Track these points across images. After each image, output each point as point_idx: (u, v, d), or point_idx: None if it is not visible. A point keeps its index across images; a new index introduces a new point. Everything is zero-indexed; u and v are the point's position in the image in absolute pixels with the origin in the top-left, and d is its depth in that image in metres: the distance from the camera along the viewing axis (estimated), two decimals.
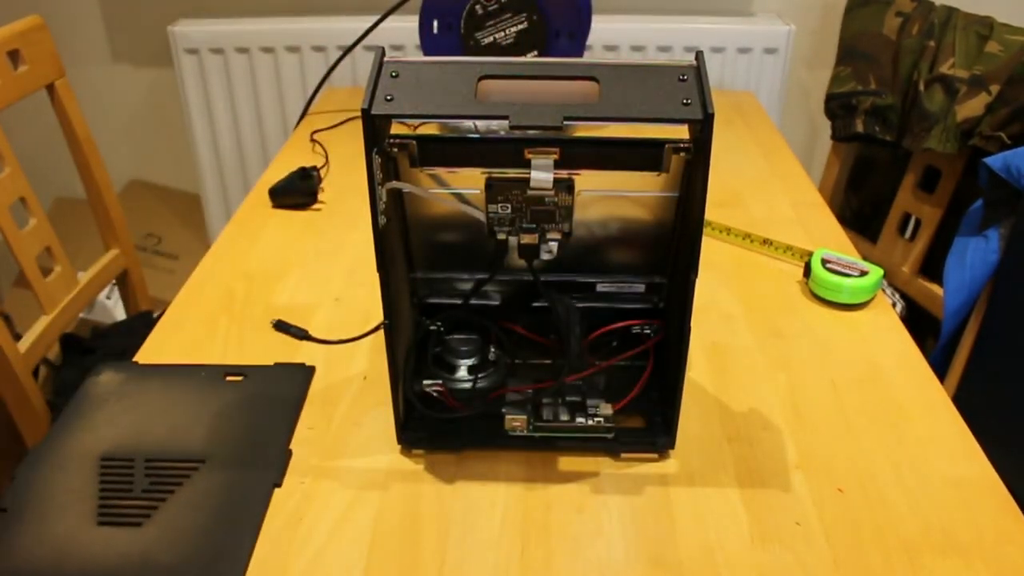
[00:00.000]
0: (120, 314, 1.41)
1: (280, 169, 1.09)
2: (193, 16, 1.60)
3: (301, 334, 0.79)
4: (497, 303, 0.72)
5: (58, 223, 1.16)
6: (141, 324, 1.24)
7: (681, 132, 0.61)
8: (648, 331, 0.71)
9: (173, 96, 1.75)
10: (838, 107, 1.38)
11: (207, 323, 0.82)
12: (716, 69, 1.56)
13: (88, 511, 0.59)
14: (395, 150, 0.61)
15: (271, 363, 0.75)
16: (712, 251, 0.95)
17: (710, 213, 1.02)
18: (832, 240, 0.97)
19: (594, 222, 0.67)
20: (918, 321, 1.36)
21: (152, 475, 0.62)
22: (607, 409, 0.64)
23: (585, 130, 1.02)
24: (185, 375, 0.73)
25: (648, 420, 0.68)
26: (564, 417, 0.64)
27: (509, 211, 0.62)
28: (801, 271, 0.90)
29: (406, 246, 0.68)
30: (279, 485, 0.62)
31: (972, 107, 1.22)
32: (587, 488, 0.62)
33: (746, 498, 0.61)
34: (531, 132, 0.55)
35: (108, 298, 1.57)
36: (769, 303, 0.85)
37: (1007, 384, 1.11)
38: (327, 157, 1.18)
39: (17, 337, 1.02)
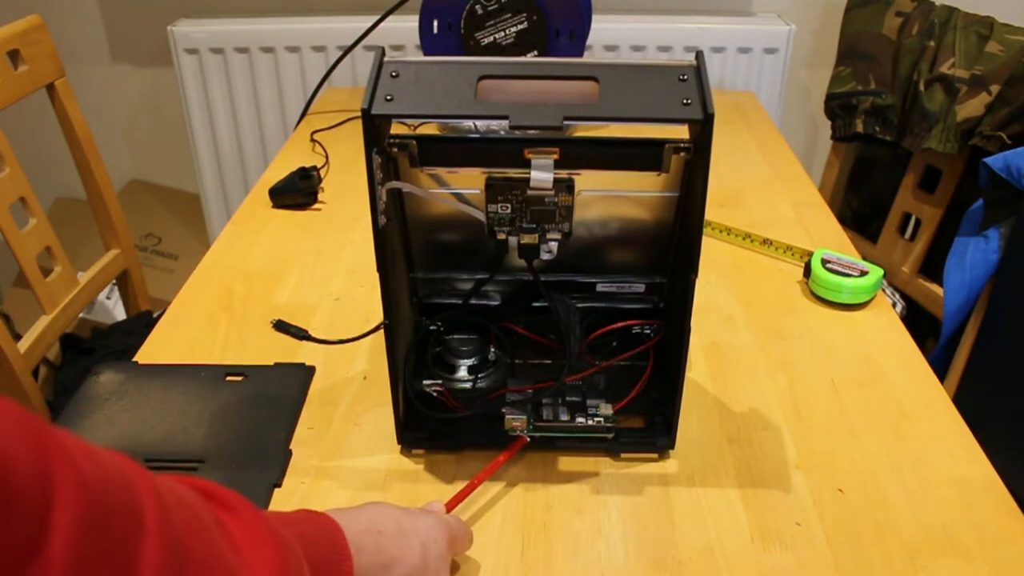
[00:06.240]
0: (120, 314, 1.41)
1: (280, 169, 1.09)
2: (193, 16, 1.60)
3: (301, 334, 0.79)
4: (497, 303, 0.72)
5: (58, 223, 1.16)
6: (141, 324, 1.24)
7: (681, 132, 0.61)
8: (648, 331, 0.71)
9: (173, 96, 1.75)
10: (838, 107, 1.38)
11: (207, 323, 0.82)
12: (716, 69, 1.56)
13: None
14: (395, 150, 0.61)
15: (271, 363, 0.75)
16: (712, 251, 0.95)
17: (710, 213, 1.02)
18: (832, 240, 0.97)
19: (594, 222, 0.67)
20: (918, 321, 1.36)
21: None
22: (607, 409, 0.64)
23: (585, 130, 1.02)
24: (185, 375, 0.73)
25: (648, 420, 0.68)
26: (564, 417, 0.64)
27: (509, 211, 0.62)
28: (801, 271, 0.90)
29: (406, 246, 0.68)
30: (279, 485, 0.62)
31: (972, 107, 1.22)
32: (587, 488, 0.62)
33: (746, 498, 0.61)
34: (531, 132, 0.55)
35: (108, 298, 1.57)
36: (769, 303, 0.85)
37: (1007, 384, 1.11)
38: (327, 157, 1.18)
39: (17, 337, 1.02)
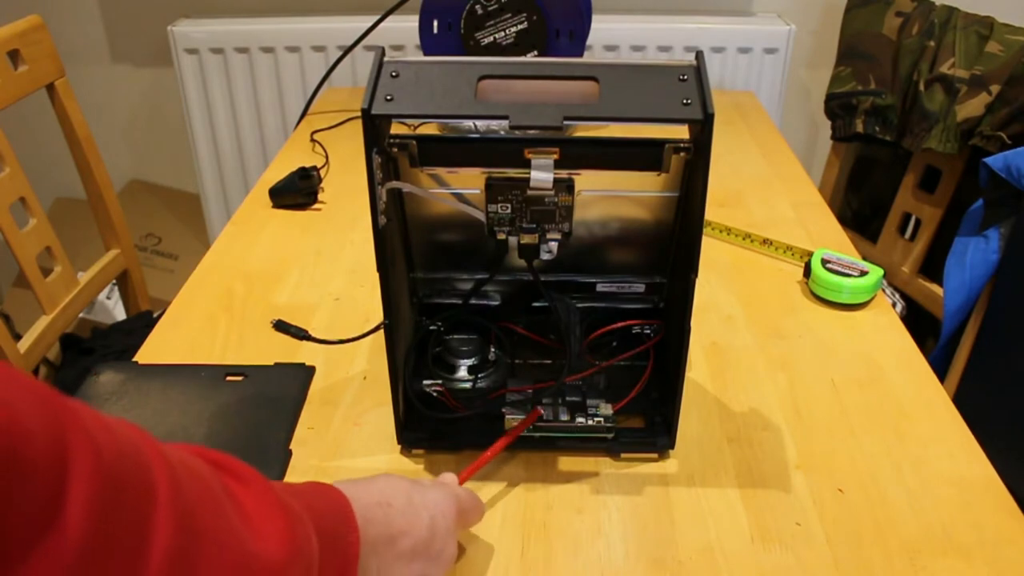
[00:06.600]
0: (120, 314, 1.41)
1: (280, 169, 1.09)
2: (193, 16, 1.60)
3: (301, 334, 0.79)
4: (497, 303, 0.72)
5: (58, 223, 1.16)
6: (141, 324, 1.24)
7: (681, 132, 0.61)
8: (648, 331, 0.71)
9: (173, 96, 1.74)
10: (838, 107, 1.38)
11: (207, 323, 0.82)
12: (716, 69, 1.56)
13: None
14: (395, 150, 0.61)
15: (271, 363, 0.75)
16: (712, 251, 0.95)
17: (710, 213, 1.02)
18: (832, 240, 0.97)
19: (594, 222, 0.67)
20: (918, 321, 1.36)
21: None
22: (607, 409, 0.64)
23: (585, 130, 1.02)
24: (185, 375, 0.73)
25: (648, 420, 0.68)
26: (564, 417, 0.64)
27: (509, 211, 0.62)
28: (801, 271, 0.90)
29: (406, 246, 0.68)
30: None
31: (972, 107, 1.22)
32: (587, 488, 0.62)
33: (746, 498, 0.61)
34: (531, 132, 0.55)
35: (108, 298, 1.57)
36: (769, 303, 0.85)
37: (1007, 384, 1.11)
38: (327, 157, 1.18)
39: (17, 337, 1.02)
